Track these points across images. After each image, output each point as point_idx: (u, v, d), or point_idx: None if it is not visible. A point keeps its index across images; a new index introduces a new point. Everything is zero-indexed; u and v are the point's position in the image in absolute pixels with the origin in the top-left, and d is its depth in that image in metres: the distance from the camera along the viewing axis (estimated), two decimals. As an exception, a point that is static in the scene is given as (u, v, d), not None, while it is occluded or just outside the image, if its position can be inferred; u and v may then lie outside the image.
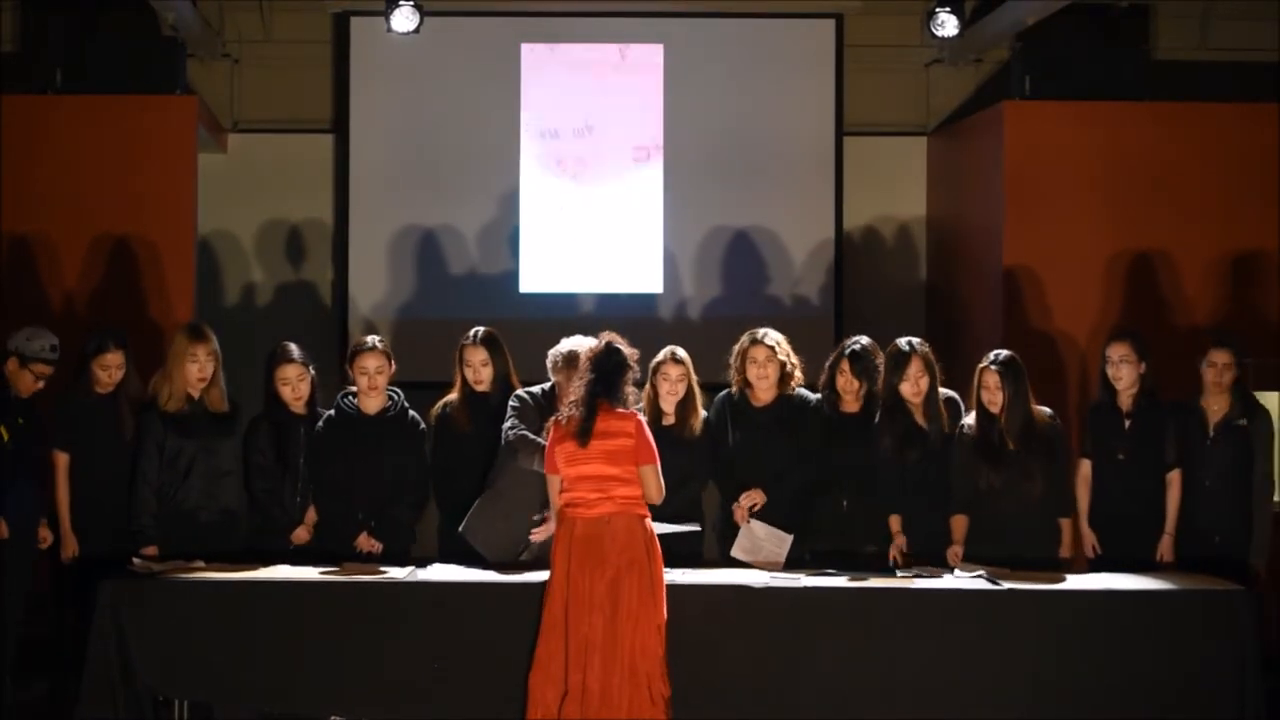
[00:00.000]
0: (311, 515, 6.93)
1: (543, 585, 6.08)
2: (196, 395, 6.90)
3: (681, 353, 6.94)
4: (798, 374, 7.04)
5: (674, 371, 6.89)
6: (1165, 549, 6.94)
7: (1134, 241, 9.23)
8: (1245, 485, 6.99)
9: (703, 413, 7.01)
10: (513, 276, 10.31)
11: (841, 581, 6.34)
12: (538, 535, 6.65)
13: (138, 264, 9.07)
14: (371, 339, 6.99)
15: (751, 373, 6.97)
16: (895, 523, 6.85)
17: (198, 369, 6.86)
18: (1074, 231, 9.22)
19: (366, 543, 6.83)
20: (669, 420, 6.91)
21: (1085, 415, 7.35)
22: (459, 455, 6.99)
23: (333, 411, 6.96)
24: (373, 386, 6.88)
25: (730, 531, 6.94)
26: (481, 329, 7.09)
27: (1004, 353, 6.86)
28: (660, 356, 6.93)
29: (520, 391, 6.91)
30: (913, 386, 6.87)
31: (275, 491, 6.90)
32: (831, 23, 10.40)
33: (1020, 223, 9.25)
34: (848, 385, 6.96)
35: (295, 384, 6.94)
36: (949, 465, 6.84)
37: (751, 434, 6.97)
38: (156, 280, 9.08)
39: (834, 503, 6.94)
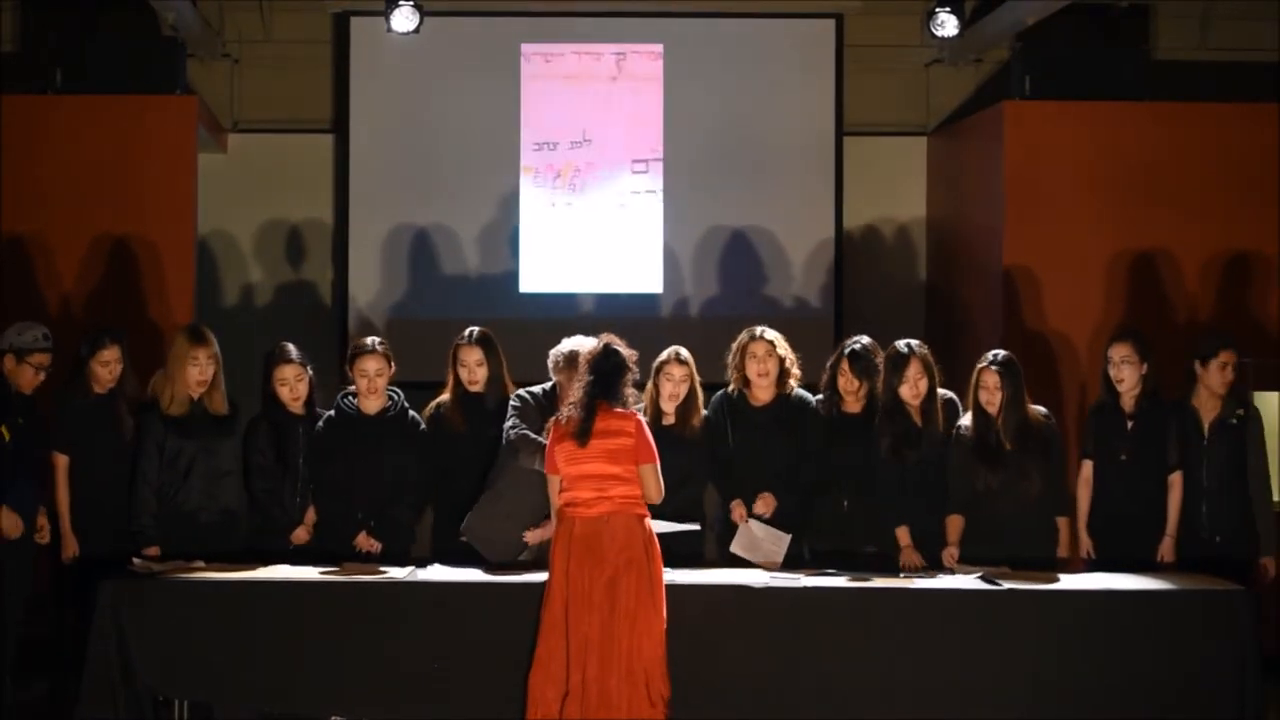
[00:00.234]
0: (311, 515, 6.93)
1: (543, 585, 6.08)
2: (197, 397, 6.90)
3: (685, 353, 6.94)
4: (796, 372, 7.04)
5: (678, 372, 6.89)
6: (1166, 550, 6.94)
7: (1134, 241, 9.23)
8: (1242, 484, 6.99)
9: (703, 413, 7.01)
10: (513, 276, 10.32)
11: (841, 581, 6.34)
12: (531, 536, 6.64)
13: (137, 264, 9.07)
14: (371, 341, 6.99)
15: (751, 369, 6.97)
16: (904, 535, 6.83)
17: (198, 372, 6.86)
18: (1074, 231, 9.22)
19: (366, 542, 6.83)
20: (669, 420, 6.91)
21: (1086, 415, 7.34)
22: (453, 456, 6.98)
23: (333, 411, 6.96)
24: (372, 389, 6.88)
25: (729, 532, 6.94)
26: (476, 329, 7.08)
27: (1002, 353, 6.87)
28: (664, 356, 6.93)
29: (521, 391, 6.91)
30: (911, 388, 6.86)
31: (275, 492, 6.90)
32: (831, 23, 10.40)
33: (1020, 223, 9.25)
34: (849, 385, 6.95)
35: (293, 384, 6.94)
36: (946, 466, 6.83)
37: (750, 434, 6.97)
38: (156, 281, 9.08)
39: (834, 503, 6.94)
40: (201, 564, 6.53)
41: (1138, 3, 10.29)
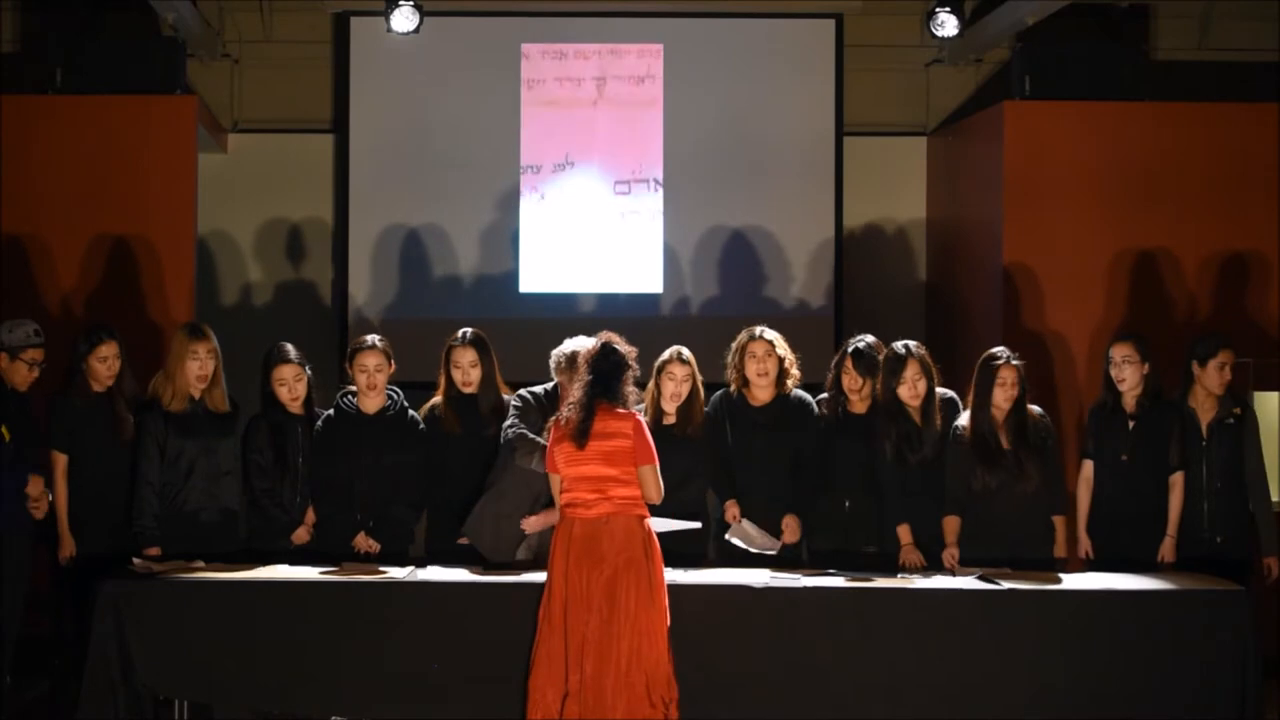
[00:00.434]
0: (311, 516, 6.93)
1: (542, 585, 6.08)
2: (198, 395, 6.90)
3: (687, 353, 6.93)
4: (795, 372, 7.03)
5: (679, 372, 6.89)
6: (1167, 550, 6.93)
7: (1133, 241, 9.22)
8: (1241, 484, 6.99)
9: (706, 412, 7.00)
10: (513, 276, 10.32)
11: (841, 581, 6.34)
12: (531, 523, 6.63)
13: (137, 264, 9.07)
14: (371, 338, 6.99)
15: (751, 369, 6.97)
16: (905, 533, 6.82)
17: (198, 366, 6.86)
18: (1074, 231, 9.22)
19: (364, 542, 6.83)
20: (670, 420, 6.91)
21: (1086, 415, 7.34)
22: (446, 457, 6.97)
23: (332, 411, 6.96)
24: (372, 385, 6.88)
25: (723, 532, 6.94)
26: (470, 330, 7.08)
27: (1010, 351, 6.87)
28: (666, 356, 6.93)
29: (523, 391, 6.91)
30: (910, 389, 6.86)
31: (274, 492, 6.90)
32: (831, 23, 10.40)
33: (1020, 222, 9.24)
34: (853, 384, 6.95)
35: (291, 384, 6.94)
36: (946, 464, 6.83)
37: (748, 434, 6.97)
38: (156, 280, 9.07)
39: (836, 502, 6.94)
40: (201, 564, 6.53)
41: (1138, 3, 10.29)
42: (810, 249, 10.36)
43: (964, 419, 6.83)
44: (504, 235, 10.32)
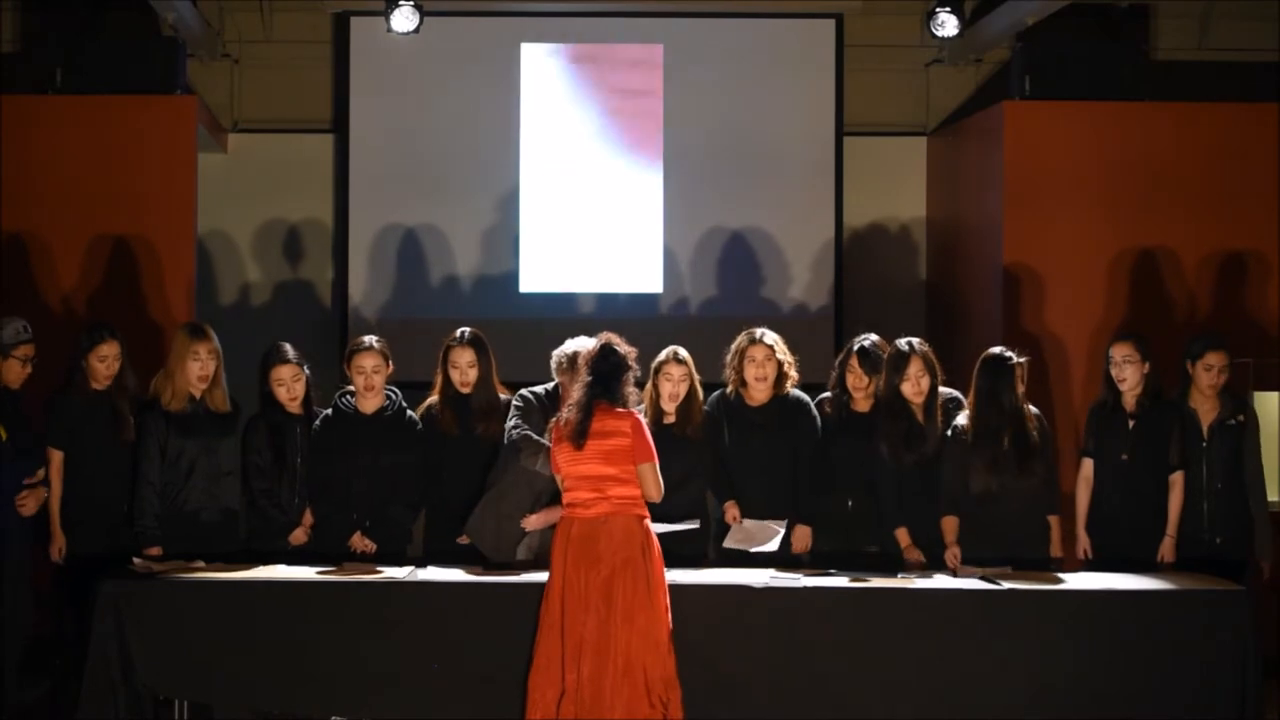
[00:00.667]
0: (309, 517, 6.92)
1: (542, 586, 6.08)
2: (198, 395, 6.90)
3: (684, 353, 6.93)
4: (793, 374, 7.03)
5: (676, 372, 6.89)
6: (1167, 550, 6.93)
7: (1133, 241, 9.22)
8: (1241, 485, 6.99)
9: (705, 411, 7.00)
10: (513, 276, 10.32)
11: (841, 581, 6.34)
12: (532, 521, 6.63)
13: (137, 264, 9.07)
14: (369, 339, 6.99)
15: (749, 372, 6.97)
16: (904, 536, 6.82)
17: (199, 367, 6.86)
18: (1074, 231, 9.22)
19: (360, 542, 6.83)
20: (669, 419, 6.91)
21: (1085, 415, 7.34)
22: (444, 457, 6.97)
23: (330, 411, 6.96)
24: (369, 386, 6.88)
25: (723, 532, 6.95)
26: (468, 330, 7.07)
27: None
28: (662, 356, 6.93)
29: (524, 391, 6.91)
30: (914, 386, 6.86)
31: (272, 492, 6.90)
32: (831, 23, 10.40)
33: (1020, 222, 9.24)
34: (858, 383, 6.96)
35: (290, 384, 6.94)
36: (944, 464, 6.82)
37: (745, 434, 6.97)
38: (156, 280, 9.07)
39: (838, 502, 6.94)
40: (202, 564, 6.53)
41: (1138, 3, 10.29)
42: (810, 249, 10.36)
43: (962, 418, 6.83)
44: (504, 235, 10.32)
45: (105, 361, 6.99)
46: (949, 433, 6.82)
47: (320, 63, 10.54)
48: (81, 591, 6.45)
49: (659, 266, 10.35)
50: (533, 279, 10.33)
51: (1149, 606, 6.19)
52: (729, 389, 7.06)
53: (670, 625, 6.00)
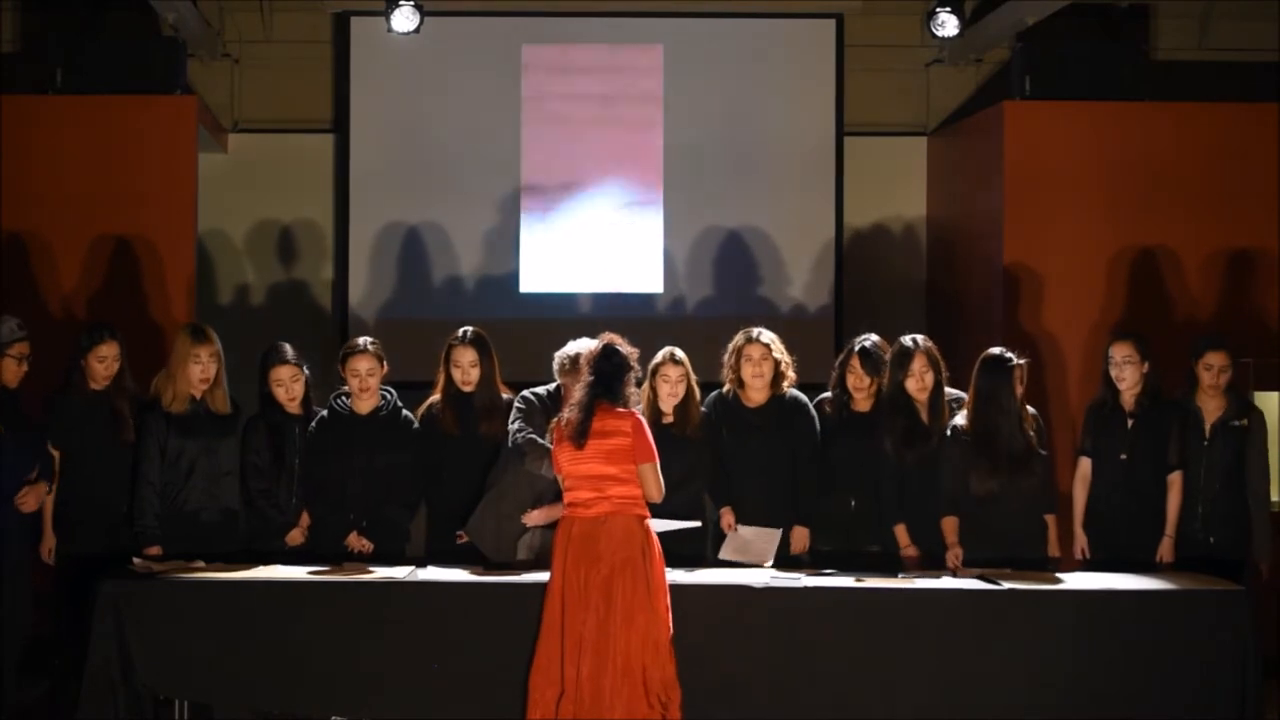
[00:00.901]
0: (306, 518, 6.92)
1: (543, 586, 6.08)
2: (199, 396, 6.90)
3: (680, 353, 6.92)
4: (791, 374, 7.02)
5: (673, 372, 6.88)
6: (1165, 550, 6.93)
7: (1134, 241, 9.22)
8: (1240, 486, 6.98)
9: (703, 412, 7.00)
10: (513, 276, 10.32)
11: (841, 581, 6.34)
12: (533, 517, 6.62)
13: (137, 264, 9.07)
14: (363, 341, 6.99)
15: (747, 371, 6.96)
16: (903, 534, 6.83)
17: (200, 370, 6.86)
18: (1074, 231, 9.22)
19: (356, 542, 6.83)
20: (668, 420, 6.91)
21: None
22: (445, 456, 6.97)
23: (325, 412, 6.96)
24: (364, 388, 6.88)
25: (721, 535, 6.94)
26: (470, 329, 7.07)
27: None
28: (659, 358, 6.92)
29: (526, 392, 6.91)
30: (918, 382, 6.86)
31: (270, 492, 6.90)
32: (831, 23, 10.41)
33: (1020, 222, 9.24)
34: (859, 383, 6.95)
35: (289, 385, 6.94)
36: (943, 465, 6.81)
37: (743, 434, 6.96)
38: (156, 280, 9.07)
39: (840, 502, 6.93)
40: (201, 564, 6.53)
41: (1138, 3, 10.29)
42: (810, 249, 10.36)
43: (960, 418, 6.82)
44: (504, 235, 10.32)
45: (104, 362, 6.99)
46: (948, 433, 6.81)
47: (320, 63, 10.54)
48: (81, 591, 6.45)
49: (659, 267, 10.35)
50: (533, 279, 10.33)
51: (1149, 606, 6.19)
52: (726, 389, 7.05)
53: (671, 626, 6.00)
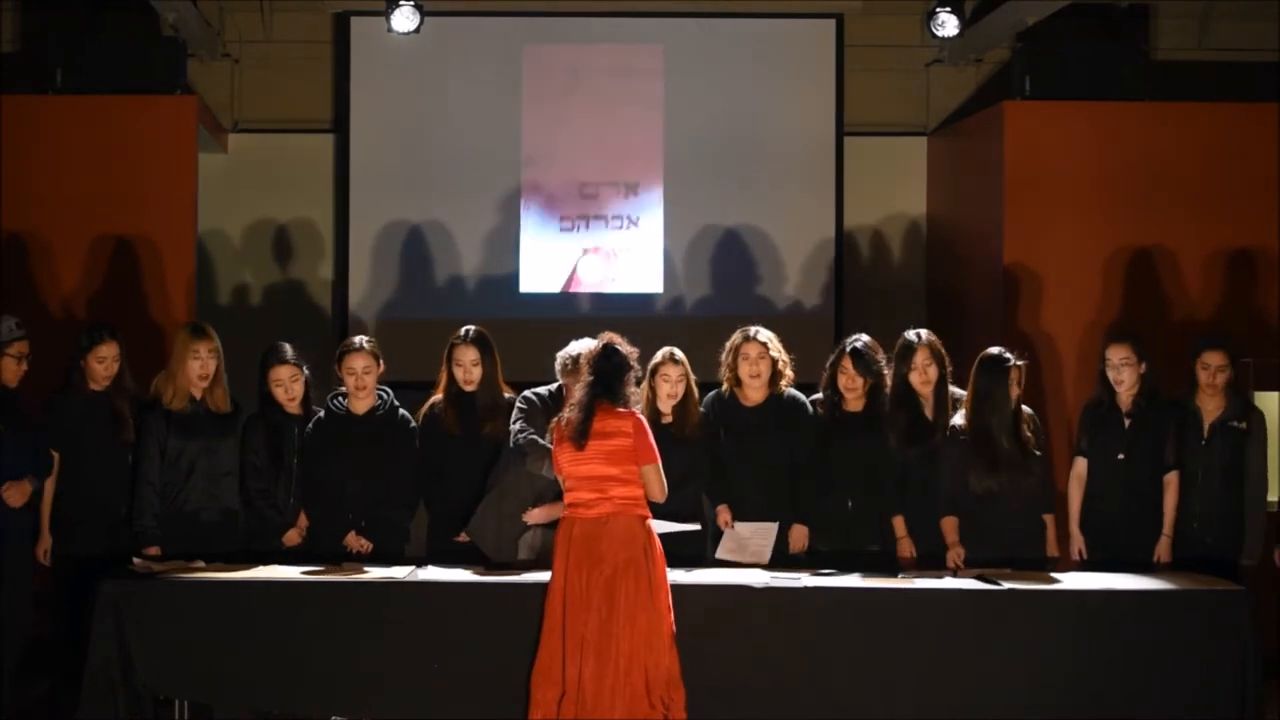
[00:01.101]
0: (303, 519, 6.92)
1: (543, 586, 6.08)
2: (199, 395, 6.90)
3: (679, 353, 6.92)
4: (788, 373, 7.02)
5: (673, 372, 6.88)
6: (1163, 550, 6.93)
7: (1134, 241, 9.23)
8: (1238, 486, 6.98)
9: (701, 411, 6.99)
10: (513, 276, 10.32)
11: (842, 581, 6.34)
12: (534, 515, 6.61)
13: (137, 264, 9.07)
14: (358, 339, 6.99)
15: (744, 370, 6.96)
16: (900, 525, 6.83)
17: (200, 366, 6.86)
18: (1074, 231, 9.22)
19: (355, 541, 6.83)
20: (667, 420, 6.90)
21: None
22: (447, 456, 6.97)
23: (322, 412, 6.96)
24: (360, 387, 6.88)
25: (719, 533, 6.94)
26: (472, 328, 7.07)
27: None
28: (658, 357, 6.92)
29: (528, 393, 6.91)
30: (921, 375, 6.86)
31: (268, 492, 6.89)
32: (831, 23, 10.40)
33: (1020, 222, 9.25)
34: (850, 383, 6.95)
35: (288, 384, 6.94)
36: (941, 465, 6.81)
37: (741, 434, 6.96)
38: (156, 280, 9.07)
39: (838, 502, 6.93)
40: (201, 564, 6.53)
41: (1138, 3, 10.29)
42: (810, 249, 10.36)
43: (959, 418, 6.82)
44: (504, 235, 10.32)
45: (104, 362, 6.99)
46: (946, 433, 6.81)
47: (320, 63, 10.54)
48: (81, 591, 6.45)
49: (659, 267, 10.35)
50: (532, 279, 10.33)
51: (1149, 606, 6.19)
52: (724, 388, 7.05)
53: (673, 626, 6.00)
